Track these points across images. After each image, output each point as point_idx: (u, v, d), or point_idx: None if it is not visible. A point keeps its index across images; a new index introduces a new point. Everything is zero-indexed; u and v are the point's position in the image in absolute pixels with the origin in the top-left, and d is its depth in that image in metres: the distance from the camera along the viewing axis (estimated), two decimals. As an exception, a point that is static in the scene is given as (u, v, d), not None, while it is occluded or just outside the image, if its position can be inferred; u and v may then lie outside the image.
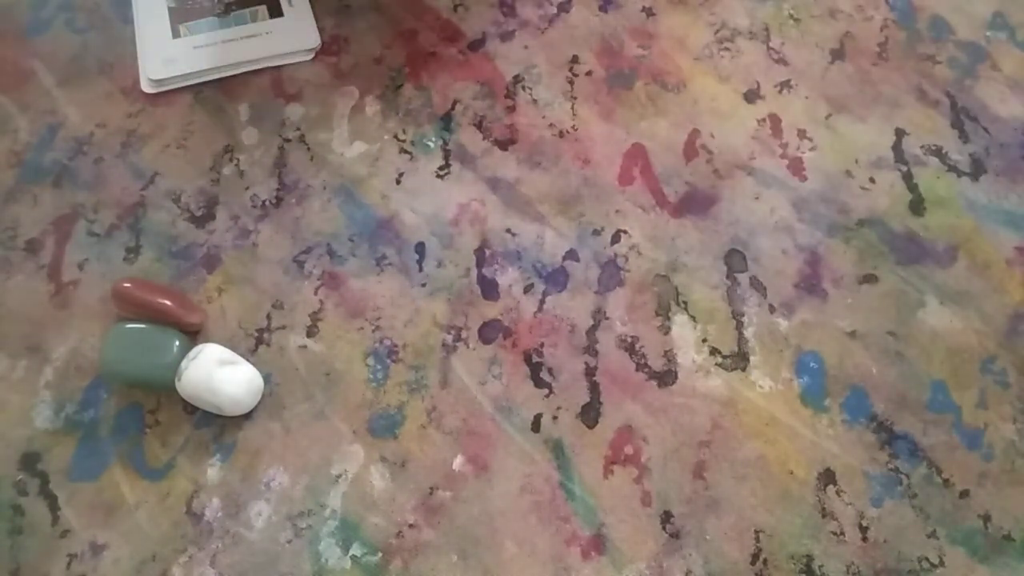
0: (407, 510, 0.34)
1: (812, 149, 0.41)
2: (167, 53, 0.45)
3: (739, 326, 0.37)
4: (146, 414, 0.37)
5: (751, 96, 0.43)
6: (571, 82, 0.43)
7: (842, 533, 0.33)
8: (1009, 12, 0.43)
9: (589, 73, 0.44)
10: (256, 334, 0.38)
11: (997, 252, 0.38)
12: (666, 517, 0.34)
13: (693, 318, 0.37)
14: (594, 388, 0.36)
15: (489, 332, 0.38)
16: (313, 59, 0.45)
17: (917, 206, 0.39)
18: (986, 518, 0.33)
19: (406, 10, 0.46)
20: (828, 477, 0.34)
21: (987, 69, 0.42)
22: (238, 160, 0.43)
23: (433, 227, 0.40)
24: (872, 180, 0.40)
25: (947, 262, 0.38)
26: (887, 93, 0.42)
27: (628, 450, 0.35)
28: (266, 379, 0.37)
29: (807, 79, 0.43)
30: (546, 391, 0.36)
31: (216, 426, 0.36)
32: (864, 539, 0.33)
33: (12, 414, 0.37)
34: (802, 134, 0.41)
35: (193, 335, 0.38)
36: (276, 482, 0.35)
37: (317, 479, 0.35)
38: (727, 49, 0.44)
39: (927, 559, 0.32)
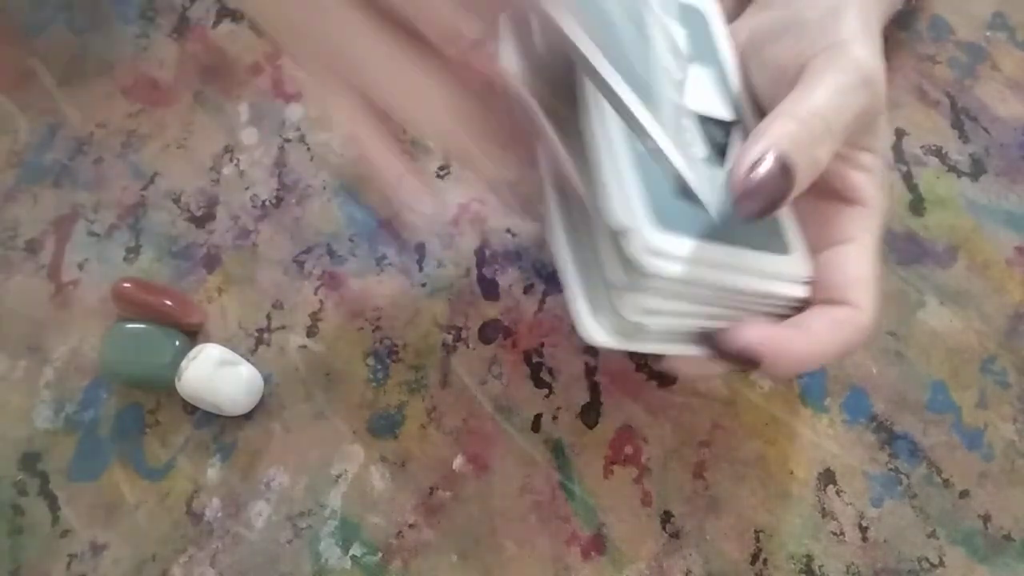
0: (407, 510, 0.34)
1: (812, 149, 0.40)
2: (653, 244, 0.25)
3: (739, 326, 0.37)
4: (146, 414, 0.37)
5: (751, 96, 0.43)
6: (571, 82, 0.43)
7: (842, 533, 0.33)
8: (1009, 12, 0.43)
9: (589, 73, 0.44)
10: (256, 334, 0.38)
11: (997, 252, 0.38)
12: (666, 517, 0.34)
13: (693, 318, 0.37)
14: (594, 388, 0.36)
15: (489, 332, 0.38)
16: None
17: (917, 206, 0.39)
18: (986, 518, 0.33)
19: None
20: (828, 477, 0.34)
21: (987, 69, 0.42)
22: (238, 160, 0.43)
23: (433, 227, 0.40)
24: (872, 180, 0.40)
25: (947, 262, 0.38)
26: (887, 93, 0.42)
27: (628, 450, 0.35)
28: (266, 379, 0.37)
29: (807, 79, 0.42)
30: (546, 391, 0.36)
31: (216, 426, 0.36)
32: (864, 539, 0.33)
33: (12, 414, 0.37)
34: (802, 134, 0.41)
35: (193, 335, 0.38)
36: (276, 482, 0.35)
37: (317, 479, 0.35)
38: (727, 49, 0.44)
39: (927, 559, 0.32)
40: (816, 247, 0.29)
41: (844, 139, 0.27)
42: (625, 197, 0.25)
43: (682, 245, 0.25)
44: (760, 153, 0.25)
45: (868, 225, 0.29)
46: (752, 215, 0.25)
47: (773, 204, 0.25)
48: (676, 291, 0.26)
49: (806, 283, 0.28)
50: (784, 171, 0.25)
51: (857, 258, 0.28)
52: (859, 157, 0.29)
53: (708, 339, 0.27)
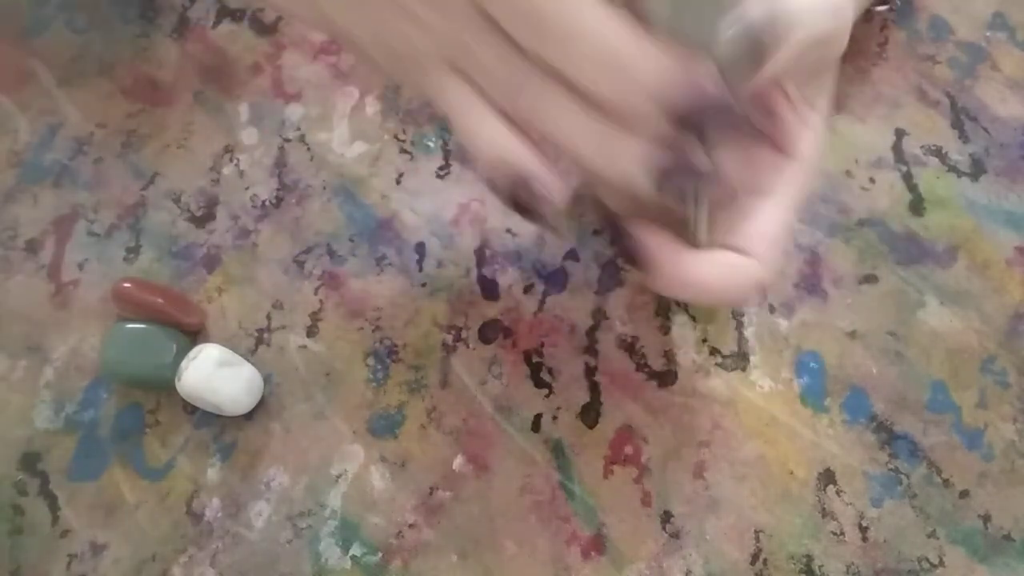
0: (407, 510, 0.34)
1: (812, 149, 0.40)
2: None
3: (739, 326, 0.37)
4: (146, 414, 0.37)
5: (751, 96, 0.43)
6: (571, 82, 0.43)
7: (842, 533, 0.33)
8: (1009, 12, 0.43)
9: (589, 73, 0.44)
10: (256, 334, 0.38)
11: (997, 252, 0.38)
12: (666, 517, 0.34)
13: (693, 318, 0.37)
14: (594, 388, 0.36)
15: (489, 332, 0.38)
16: (313, 59, 0.45)
17: (917, 206, 0.39)
18: (986, 518, 0.33)
19: (406, 10, 0.46)
20: (828, 477, 0.34)
21: (987, 69, 0.42)
22: (238, 160, 0.43)
23: (433, 227, 0.40)
24: (872, 180, 0.40)
25: (947, 262, 0.38)
26: (887, 93, 0.42)
27: (628, 450, 0.35)
28: (266, 379, 0.37)
29: (807, 79, 0.42)
30: (546, 391, 0.36)
31: (216, 426, 0.36)
32: (864, 539, 0.33)
33: (12, 414, 0.37)
34: (802, 134, 0.41)
35: (193, 335, 0.38)
36: (276, 482, 0.35)
37: (317, 479, 0.35)
38: (727, 49, 0.44)
39: (927, 559, 0.32)
40: (739, 189, 0.29)
41: (802, 59, 0.26)
42: None
43: None
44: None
45: (794, 181, 0.29)
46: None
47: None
48: None
49: None
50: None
51: (771, 214, 0.29)
52: (807, 112, 0.29)
53: (613, 227, 0.28)
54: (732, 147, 0.30)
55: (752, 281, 0.28)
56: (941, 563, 0.32)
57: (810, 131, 0.30)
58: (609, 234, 0.27)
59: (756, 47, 0.24)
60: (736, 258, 0.28)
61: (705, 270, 0.28)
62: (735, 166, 0.30)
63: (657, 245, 0.27)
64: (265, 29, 0.47)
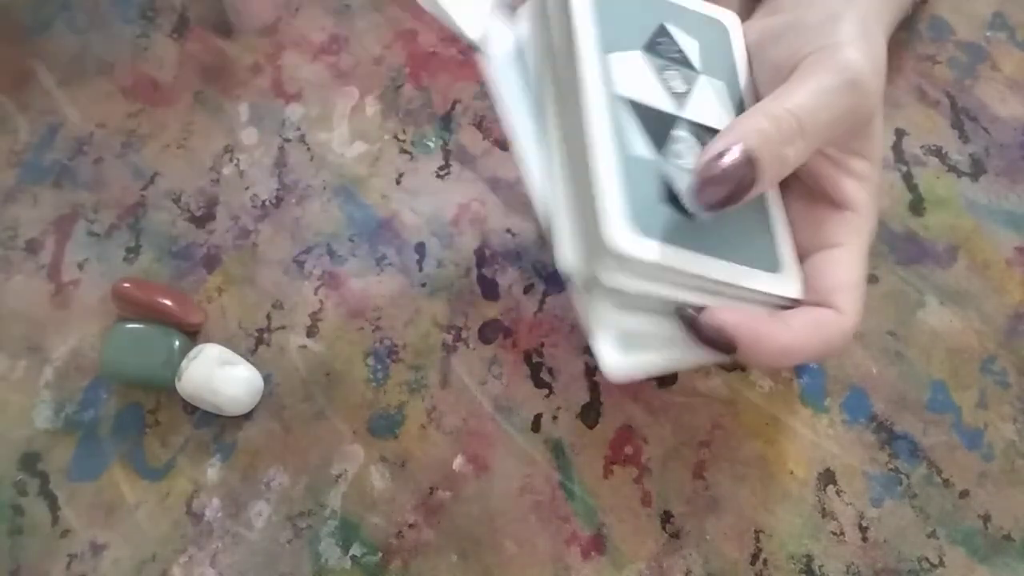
0: (407, 510, 0.34)
1: (812, 149, 0.40)
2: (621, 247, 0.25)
3: (739, 326, 0.37)
4: (146, 414, 0.37)
5: (751, 96, 0.43)
6: (571, 82, 0.43)
7: (842, 533, 0.33)
8: (1009, 12, 0.43)
9: (589, 73, 0.44)
10: (256, 334, 0.38)
11: (997, 252, 0.38)
12: (666, 517, 0.34)
13: (693, 318, 0.37)
14: (594, 388, 0.36)
15: (489, 332, 0.38)
16: (313, 59, 0.45)
17: (917, 206, 0.39)
18: (986, 518, 0.33)
19: (406, 10, 0.46)
20: (828, 477, 0.34)
21: (987, 69, 0.42)
22: (238, 160, 0.43)
23: (433, 227, 0.40)
24: (872, 180, 0.40)
25: (947, 262, 0.38)
26: (887, 93, 0.42)
27: (628, 450, 0.35)
28: (266, 379, 0.37)
29: (807, 79, 0.42)
30: (546, 391, 0.36)
31: (216, 426, 0.36)
32: (864, 539, 0.33)
33: (12, 414, 0.37)
34: (802, 134, 0.41)
35: (193, 335, 0.38)
36: (276, 482, 0.35)
37: (317, 479, 0.35)
38: (727, 49, 0.44)
39: (927, 559, 0.32)
40: (806, 250, 0.30)
41: (824, 140, 0.27)
42: (600, 200, 0.26)
43: (656, 250, 0.26)
44: (727, 145, 0.25)
45: (858, 230, 0.29)
46: (714, 203, 0.26)
47: (736, 194, 0.26)
48: (647, 292, 0.27)
49: (791, 302, 0.28)
50: (748, 163, 0.25)
51: (845, 263, 0.29)
52: (851, 163, 0.29)
53: (685, 320, 0.27)
54: (794, 211, 0.30)
55: (842, 333, 0.28)
56: (941, 563, 0.32)
57: (862, 180, 0.30)
58: (687, 329, 0.27)
59: (749, 173, 0.26)
60: (821, 314, 0.28)
61: (793, 335, 0.27)
62: (800, 229, 0.30)
63: (736, 323, 0.27)
64: (265, 29, 0.47)
